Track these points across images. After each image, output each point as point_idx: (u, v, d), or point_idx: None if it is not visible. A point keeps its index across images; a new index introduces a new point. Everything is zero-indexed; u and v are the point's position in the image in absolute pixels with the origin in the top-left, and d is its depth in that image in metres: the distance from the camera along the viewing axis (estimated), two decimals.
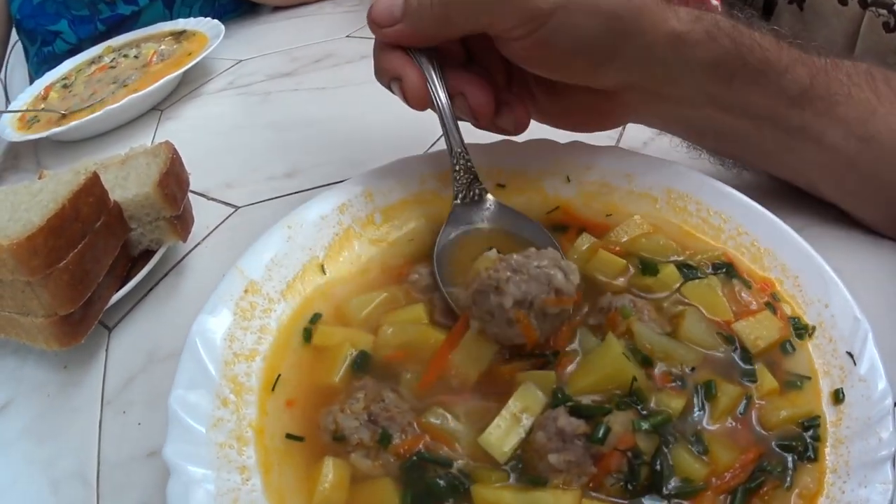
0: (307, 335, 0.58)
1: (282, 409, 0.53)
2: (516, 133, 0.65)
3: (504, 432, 0.48)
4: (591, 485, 0.45)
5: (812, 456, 0.47)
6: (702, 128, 0.66)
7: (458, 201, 0.64)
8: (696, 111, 0.62)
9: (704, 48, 0.56)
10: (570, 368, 0.52)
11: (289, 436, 0.51)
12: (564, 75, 0.60)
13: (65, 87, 1.25)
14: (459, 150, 0.63)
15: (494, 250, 0.58)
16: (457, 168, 0.63)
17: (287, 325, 0.59)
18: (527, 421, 0.48)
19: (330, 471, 0.47)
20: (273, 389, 0.54)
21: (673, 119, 0.67)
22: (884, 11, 0.73)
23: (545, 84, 0.64)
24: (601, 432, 0.45)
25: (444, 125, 0.61)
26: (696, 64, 0.57)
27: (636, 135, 0.89)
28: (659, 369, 0.52)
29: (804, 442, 0.48)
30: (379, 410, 0.49)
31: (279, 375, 0.55)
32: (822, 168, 0.64)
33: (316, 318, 0.59)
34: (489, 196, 0.65)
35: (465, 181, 0.64)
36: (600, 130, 0.68)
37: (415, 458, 0.48)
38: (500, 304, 0.50)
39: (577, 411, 0.47)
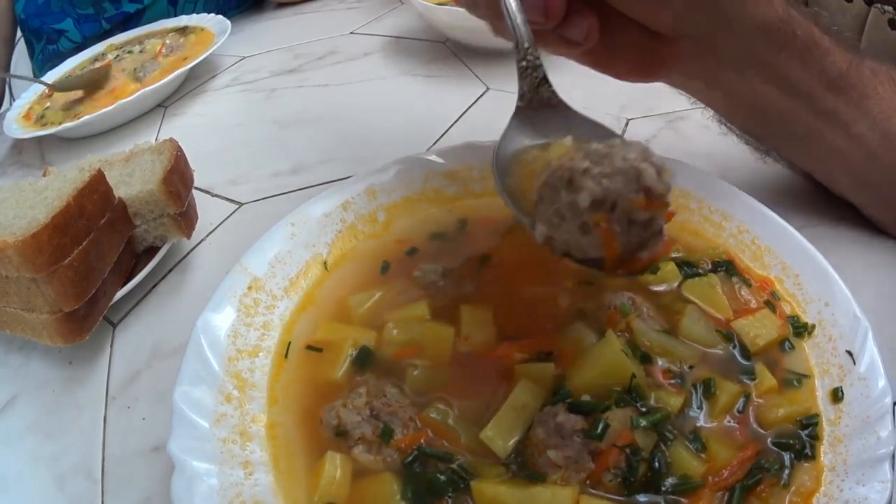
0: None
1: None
2: (586, 44, 0.55)
3: (505, 428, 0.48)
4: (589, 481, 0.45)
5: (810, 454, 0.47)
6: (740, 97, 0.64)
7: (523, 103, 0.55)
8: (739, 77, 0.61)
9: (764, 8, 0.55)
10: (570, 365, 0.52)
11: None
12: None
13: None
14: (527, 45, 0.52)
15: (570, 137, 0.50)
16: (523, 64, 0.53)
17: (290, 321, 0.59)
18: (527, 417, 0.48)
19: (332, 466, 0.47)
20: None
21: (715, 82, 0.64)
22: (889, 8, 0.73)
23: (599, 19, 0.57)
24: (600, 429, 0.46)
25: (508, 15, 0.52)
26: (754, 23, 0.56)
27: (639, 132, 0.89)
28: (658, 366, 0.52)
29: (802, 440, 0.48)
30: (381, 406, 0.50)
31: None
32: (846, 158, 0.64)
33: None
34: (561, 100, 0.55)
35: (532, 80, 0.54)
36: (642, 81, 0.62)
37: (416, 452, 0.48)
38: (573, 203, 0.41)
39: (576, 407, 0.47)
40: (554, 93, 0.54)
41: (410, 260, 0.64)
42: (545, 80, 0.54)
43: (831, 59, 0.58)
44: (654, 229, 0.43)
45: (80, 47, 1.41)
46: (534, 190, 0.44)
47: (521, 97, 0.54)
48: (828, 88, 0.59)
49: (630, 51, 0.59)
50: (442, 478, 0.46)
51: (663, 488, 0.45)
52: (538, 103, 0.54)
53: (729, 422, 0.49)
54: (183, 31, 1.34)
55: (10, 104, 1.34)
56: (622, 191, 0.40)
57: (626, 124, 0.92)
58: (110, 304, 0.67)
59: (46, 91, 1.23)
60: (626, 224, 0.41)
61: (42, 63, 1.50)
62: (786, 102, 0.61)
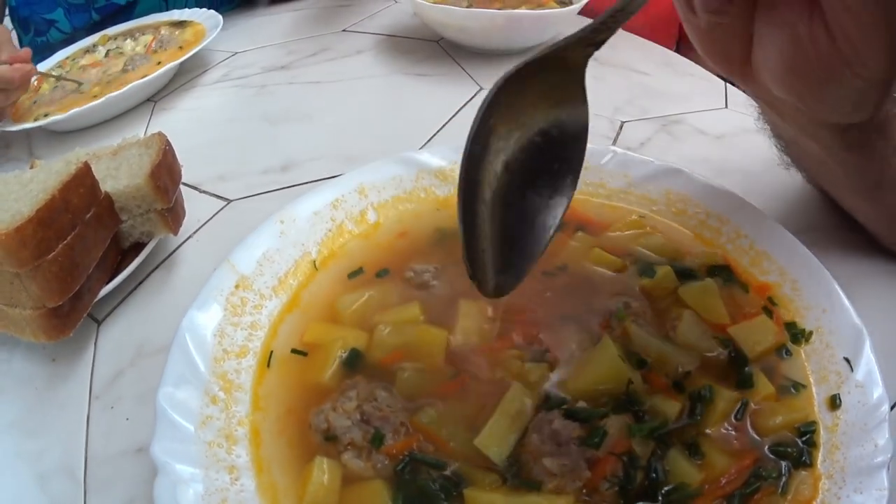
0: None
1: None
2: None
3: (499, 434, 0.47)
4: (585, 489, 0.44)
5: (807, 462, 0.47)
6: (789, 133, 0.61)
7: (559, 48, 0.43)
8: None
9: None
10: (565, 370, 0.52)
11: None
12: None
13: (58, 80, 1.23)
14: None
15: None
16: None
17: (277, 321, 0.58)
18: (521, 423, 0.48)
19: (321, 471, 0.46)
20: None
21: (777, 114, 0.57)
22: None
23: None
24: (597, 436, 0.45)
25: None
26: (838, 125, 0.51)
27: (633, 135, 0.89)
28: (655, 373, 0.51)
29: (799, 448, 0.47)
30: (371, 410, 0.49)
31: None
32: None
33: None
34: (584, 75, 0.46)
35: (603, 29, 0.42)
36: (734, 76, 0.52)
37: (407, 459, 0.47)
38: None
39: (572, 414, 0.47)
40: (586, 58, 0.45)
41: (402, 260, 0.63)
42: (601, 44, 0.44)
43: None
44: None
45: (69, 39, 1.39)
46: None
47: (570, 40, 0.43)
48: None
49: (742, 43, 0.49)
50: (434, 485, 0.45)
51: (661, 497, 0.44)
52: (566, 59, 0.44)
53: (726, 429, 0.49)
54: (175, 25, 1.33)
55: None
56: None
57: (621, 127, 0.91)
58: (95, 300, 0.65)
59: (35, 83, 1.21)
60: None
61: (32, 55, 1.48)
62: (827, 159, 0.58)
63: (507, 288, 0.46)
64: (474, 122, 0.42)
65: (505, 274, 0.45)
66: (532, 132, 0.45)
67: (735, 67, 0.49)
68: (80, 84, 1.14)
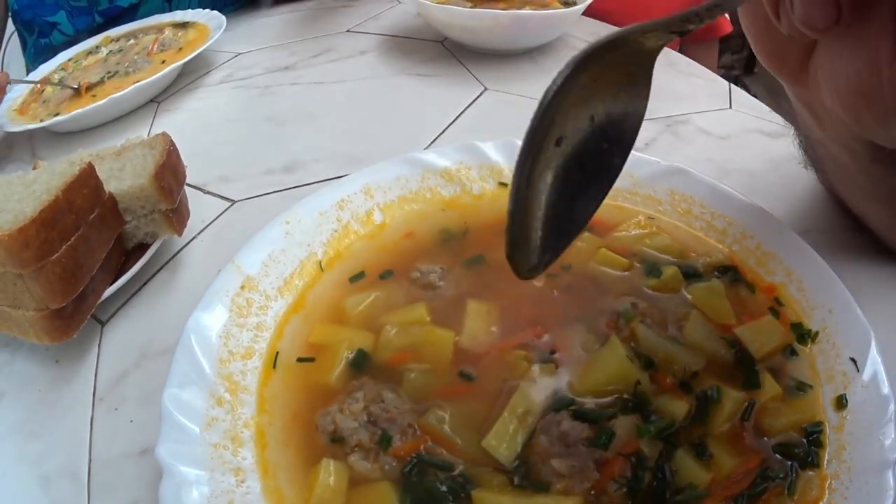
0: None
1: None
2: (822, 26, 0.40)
3: (508, 435, 0.47)
4: (593, 490, 0.44)
5: (814, 462, 0.46)
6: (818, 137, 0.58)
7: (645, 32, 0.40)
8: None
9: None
10: (573, 371, 0.52)
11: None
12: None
13: (62, 82, 1.23)
14: None
15: None
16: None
17: (283, 322, 0.58)
18: (529, 423, 0.48)
19: (327, 473, 0.46)
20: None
21: (811, 117, 0.54)
22: None
23: None
24: (605, 437, 0.45)
25: None
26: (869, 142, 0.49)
27: (639, 136, 0.88)
28: (662, 373, 0.51)
29: (806, 448, 0.47)
30: (379, 411, 0.49)
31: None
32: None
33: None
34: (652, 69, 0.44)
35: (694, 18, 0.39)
36: (783, 76, 0.49)
37: (415, 460, 0.47)
38: None
39: (581, 415, 0.47)
40: (663, 45, 0.42)
41: (408, 261, 0.63)
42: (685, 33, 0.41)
43: None
44: None
45: (72, 41, 1.39)
46: None
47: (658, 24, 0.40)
48: None
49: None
50: (442, 487, 0.45)
51: (669, 498, 0.44)
52: (643, 43, 0.41)
53: (733, 429, 0.48)
54: (178, 26, 1.33)
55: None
56: None
57: None
58: (98, 301, 0.65)
59: (38, 85, 1.21)
60: None
61: (34, 56, 1.48)
62: (851, 165, 0.57)
63: (542, 268, 0.43)
64: (545, 95, 0.39)
65: (545, 254, 0.43)
66: (593, 112, 0.43)
67: (788, 70, 0.47)
68: (75, 88, 1.14)
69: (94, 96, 1.09)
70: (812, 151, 0.65)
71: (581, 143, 0.42)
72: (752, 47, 0.49)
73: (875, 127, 0.42)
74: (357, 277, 0.62)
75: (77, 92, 1.14)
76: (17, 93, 1.20)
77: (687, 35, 0.40)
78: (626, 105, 0.44)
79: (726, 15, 1.11)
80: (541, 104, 0.38)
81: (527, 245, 0.42)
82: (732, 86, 1.00)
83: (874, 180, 0.57)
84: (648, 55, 0.42)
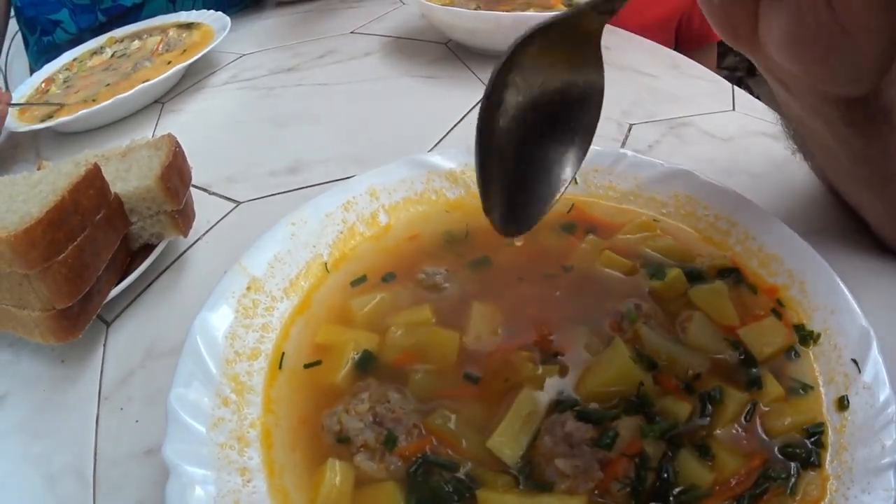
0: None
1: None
2: None
3: (512, 436, 0.47)
4: (597, 490, 0.44)
5: (816, 462, 0.47)
6: (792, 110, 0.60)
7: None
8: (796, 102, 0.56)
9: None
10: (577, 372, 0.52)
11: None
12: None
13: (66, 82, 1.23)
14: None
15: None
16: None
17: (288, 323, 0.58)
18: (533, 424, 0.48)
19: (333, 473, 0.46)
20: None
21: (777, 84, 0.56)
22: None
23: None
24: (609, 437, 0.45)
25: None
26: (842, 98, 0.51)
27: (641, 138, 0.89)
28: (666, 374, 0.51)
29: (807, 449, 0.47)
30: (384, 411, 0.49)
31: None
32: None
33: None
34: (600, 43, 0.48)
35: None
36: (742, 47, 0.53)
37: (420, 460, 0.47)
38: None
39: (585, 416, 0.47)
40: (601, 24, 0.46)
41: (413, 262, 0.63)
42: (614, 12, 0.45)
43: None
44: None
45: (75, 40, 1.40)
46: None
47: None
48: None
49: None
50: (447, 487, 0.45)
51: (672, 498, 0.44)
52: (581, 25, 0.45)
53: (736, 430, 0.49)
54: (183, 27, 1.33)
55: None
56: None
57: (629, 129, 0.91)
58: (104, 302, 0.66)
59: (42, 86, 1.21)
60: None
61: (38, 55, 1.48)
62: (832, 141, 0.58)
63: (521, 228, 0.50)
64: (492, 76, 0.45)
65: (519, 214, 0.49)
66: (548, 90, 0.47)
67: (743, 39, 0.51)
68: (61, 106, 1.11)
69: (94, 100, 1.09)
70: (797, 136, 0.66)
71: (543, 119, 0.48)
72: (710, 23, 0.53)
73: (819, 69, 0.46)
74: (362, 279, 0.63)
75: (61, 108, 1.11)
76: (21, 92, 1.21)
77: (615, 14, 0.45)
78: (579, 74, 0.48)
79: None
80: (487, 86, 0.46)
81: (496, 204, 0.48)
82: (735, 87, 1.00)
83: (856, 159, 0.58)
84: (592, 37, 0.47)
